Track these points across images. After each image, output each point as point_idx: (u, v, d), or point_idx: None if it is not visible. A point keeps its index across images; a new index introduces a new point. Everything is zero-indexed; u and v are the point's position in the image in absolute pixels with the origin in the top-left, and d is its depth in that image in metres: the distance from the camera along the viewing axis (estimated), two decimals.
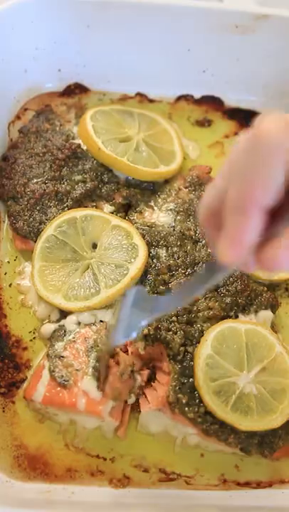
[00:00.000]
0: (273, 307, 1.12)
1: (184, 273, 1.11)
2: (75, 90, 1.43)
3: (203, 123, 1.44)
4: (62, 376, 0.99)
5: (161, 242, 1.15)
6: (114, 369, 0.99)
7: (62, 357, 1.01)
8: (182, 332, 1.03)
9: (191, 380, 0.99)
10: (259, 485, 1.03)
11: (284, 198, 0.59)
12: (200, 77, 1.43)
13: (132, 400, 1.02)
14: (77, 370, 1.00)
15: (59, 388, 0.99)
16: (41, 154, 1.24)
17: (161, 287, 1.09)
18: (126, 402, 1.02)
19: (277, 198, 0.58)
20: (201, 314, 1.06)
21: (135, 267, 1.08)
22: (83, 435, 1.04)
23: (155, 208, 1.24)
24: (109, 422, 1.00)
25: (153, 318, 0.85)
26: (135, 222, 1.19)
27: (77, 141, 1.27)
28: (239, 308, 1.09)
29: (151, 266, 1.12)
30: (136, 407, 1.05)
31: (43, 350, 1.10)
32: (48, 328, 1.09)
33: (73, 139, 1.28)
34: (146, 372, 1.03)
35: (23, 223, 1.16)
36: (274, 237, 0.60)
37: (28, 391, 1.03)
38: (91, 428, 1.04)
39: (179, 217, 1.19)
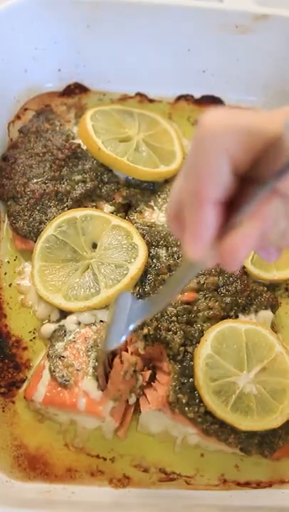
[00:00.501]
0: (273, 307, 1.12)
1: None
2: (75, 90, 1.43)
3: None
4: (63, 376, 0.99)
5: (161, 242, 1.15)
6: (117, 368, 0.99)
7: (63, 357, 1.01)
8: (182, 332, 1.03)
9: (191, 380, 0.99)
10: (259, 485, 1.03)
11: (238, 188, 0.59)
12: (200, 77, 1.43)
13: (132, 399, 1.02)
14: (77, 370, 1.00)
15: (60, 388, 0.98)
16: (41, 154, 1.24)
17: (161, 287, 1.09)
18: (127, 402, 1.02)
19: (227, 190, 0.59)
20: (201, 314, 1.06)
21: (135, 267, 1.08)
22: (83, 435, 1.04)
23: (155, 207, 1.24)
24: (110, 422, 1.00)
25: (139, 322, 0.86)
26: (135, 222, 1.19)
27: (77, 141, 1.27)
28: (239, 308, 1.09)
29: (151, 266, 1.12)
30: (136, 407, 1.05)
31: (43, 350, 1.10)
32: (48, 328, 1.09)
33: (73, 139, 1.28)
34: (148, 373, 1.03)
35: (23, 223, 1.16)
36: (233, 229, 0.60)
37: (28, 391, 1.03)
38: (91, 428, 1.04)
39: None
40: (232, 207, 0.60)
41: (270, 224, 0.59)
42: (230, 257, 0.60)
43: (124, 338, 0.86)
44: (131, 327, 0.85)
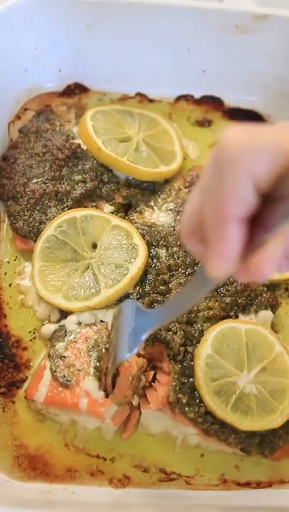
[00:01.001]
0: (273, 307, 1.12)
1: (184, 273, 1.11)
2: (75, 90, 1.43)
3: (203, 123, 1.44)
4: (64, 376, 0.99)
5: (161, 242, 1.15)
6: (125, 373, 0.98)
7: (64, 357, 1.01)
8: (182, 332, 1.03)
9: (191, 380, 0.99)
10: (259, 485, 1.03)
11: (261, 205, 0.59)
12: (200, 77, 1.43)
13: (135, 401, 1.02)
14: (78, 370, 1.00)
15: (61, 388, 0.98)
16: (41, 154, 1.24)
17: (161, 287, 1.09)
18: (131, 404, 1.02)
19: (250, 208, 0.59)
20: (201, 314, 1.06)
21: (135, 267, 1.08)
22: (84, 435, 1.04)
23: (155, 207, 1.24)
24: (109, 423, 1.00)
25: (152, 331, 0.86)
26: (135, 222, 1.19)
27: (77, 141, 1.27)
28: (239, 308, 1.09)
29: (151, 266, 1.12)
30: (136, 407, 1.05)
31: (43, 350, 1.10)
32: (49, 328, 1.09)
33: (73, 139, 1.28)
34: (150, 373, 1.03)
35: (23, 223, 1.16)
36: (259, 246, 0.61)
37: (29, 391, 1.03)
38: (91, 428, 1.04)
39: (179, 217, 1.19)
40: (255, 224, 0.60)
41: None
42: (258, 274, 0.61)
43: (136, 350, 0.85)
44: (142, 337, 0.84)
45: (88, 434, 1.04)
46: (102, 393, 0.97)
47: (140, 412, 1.04)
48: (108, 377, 0.97)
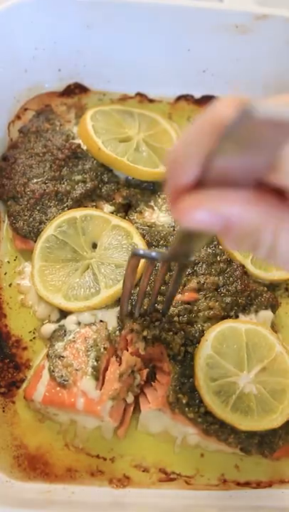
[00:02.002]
0: (273, 307, 1.12)
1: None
2: (75, 90, 1.43)
3: None
4: (62, 376, 0.99)
5: (161, 242, 1.15)
6: (113, 366, 0.98)
7: (62, 357, 1.01)
8: (182, 332, 1.03)
9: (191, 380, 0.99)
10: (259, 485, 1.03)
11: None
12: (200, 77, 1.43)
13: (130, 398, 1.02)
14: (76, 370, 1.00)
15: (59, 388, 0.99)
16: (41, 154, 1.24)
17: (161, 287, 1.09)
18: (125, 400, 1.03)
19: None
20: (201, 314, 1.06)
21: None
22: (83, 435, 1.04)
23: (155, 207, 1.24)
24: (109, 422, 1.00)
25: None
26: (135, 222, 1.19)
27: (77, 141, 1.27)
28: (239, 308, 1.09)
29: None
30: (136, 407, 1.05)
31: (43, 350, 1.10)
32: (48, 328, 1.09)
33: (73, 139, 1.28)
34: (145, 371, 1.03)
35: (23, 223, 1.16)
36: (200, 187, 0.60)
37: (28, 391, 1.03)
38: (91, 428, 1.04)
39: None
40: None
41: (237, 216, 0.58)
42: (180, 215, 0.60)
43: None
44: None
45: (88, 433, 1.04)
46: (98, 392, 0.97)
47: (134, 408, 1.04)
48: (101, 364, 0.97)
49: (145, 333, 1.02)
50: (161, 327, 1.03)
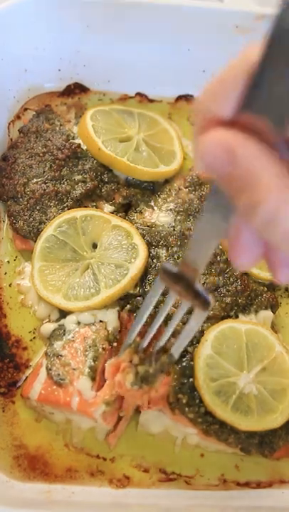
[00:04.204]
0: (273, 307, 1.12)
1: None
2: (75, 90, 1.43)
3: None
4: (59, 375, 0.99)
5: (161, 242, 1.15)
6: (110, 369, 0.98)
7: (61, 356, 1.01)
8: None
9: (191, 380, 0.99)
10: (259, 485, 1.03)
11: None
12: (200, 77, 1.43)
13: (122, 413, 1.02)
14: (73, 369, 1.00)
15: (55, 387, 0.99)
16: (41, 154, 1.24)
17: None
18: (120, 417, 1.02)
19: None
20: None
21: (135, 267, 1.08)
22: (79, 435, 1.04)
23: (155, 207, 1.24)
24: (102, 424, 0.99)
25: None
26: (135, 222, 1.19)
27: (77, 141, 1.27)
28: (239, 308, 1.09)
29: (151, 266, 1.12)
30: (136, 408, 1.05)
31: (42, 349, 1.10)
32: (48, 327, 1.09)
33: (73, 138, 1.28)
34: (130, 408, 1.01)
35: (23, 223, 1.16)
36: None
37: (24, 389, 1.03)
38: (86, 428, 1.04)
39: (179, 217, 1.19)
40: None
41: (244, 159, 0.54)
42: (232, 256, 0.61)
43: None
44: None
45: (83, 433, 1.04)
46: (93, 393, 0.97)
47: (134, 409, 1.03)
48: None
49: (140, 369, 0.95)
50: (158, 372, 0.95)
